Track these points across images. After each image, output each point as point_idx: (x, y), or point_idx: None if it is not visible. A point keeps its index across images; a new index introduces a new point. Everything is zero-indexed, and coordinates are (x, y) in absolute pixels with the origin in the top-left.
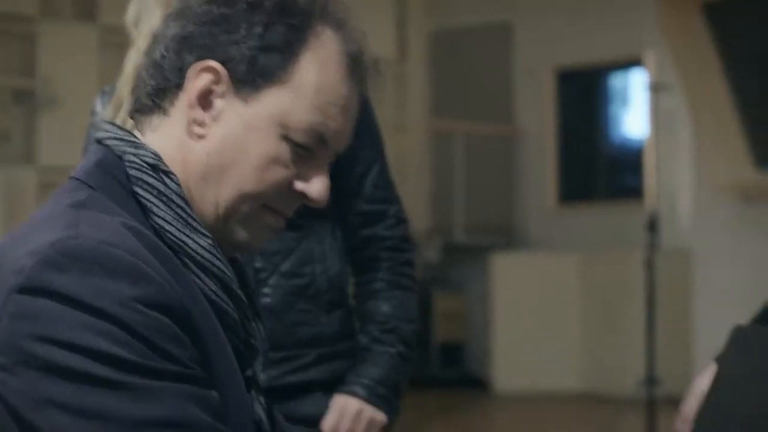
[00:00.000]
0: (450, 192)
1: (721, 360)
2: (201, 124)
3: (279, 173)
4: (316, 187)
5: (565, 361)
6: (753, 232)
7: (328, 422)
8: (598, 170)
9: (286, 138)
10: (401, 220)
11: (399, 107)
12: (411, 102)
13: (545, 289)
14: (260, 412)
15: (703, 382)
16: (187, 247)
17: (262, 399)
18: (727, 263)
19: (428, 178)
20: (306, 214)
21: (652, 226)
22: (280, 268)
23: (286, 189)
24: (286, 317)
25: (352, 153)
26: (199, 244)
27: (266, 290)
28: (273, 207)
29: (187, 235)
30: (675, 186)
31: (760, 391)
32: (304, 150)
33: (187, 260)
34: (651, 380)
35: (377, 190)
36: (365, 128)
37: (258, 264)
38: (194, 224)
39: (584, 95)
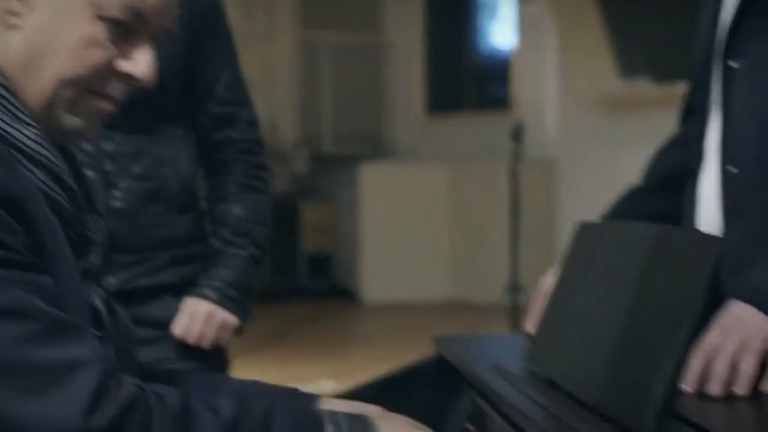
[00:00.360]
0: (318, 103)
1: (564, 257)
2: (15, 13)
3: (97, 54)
4: (141, 65)
5: (432, 270)
6: (617, 142)
7: (178, 325)
8: (466, 80)
9: (100, 17)
10: (253, 123)
11: (267, 18)
12: (278, 12)
13: (413, 199)
14: (98, 303)
15: (548, 280)
16: (13, 138)
17: (101, 291)
18: (592, 172)
19: (296, 88)
20: (157, 116)
21: (517, 135)
22: (130, 171)
23: (107, 70)
24: (137, 220)
25: (203, 56)
26: (26, 135)
27: (117, 193)
28: (98, 90)
29: (13, 126)
30: (541, 96)
31: (598, 285)
32: (121, 27)
33: (15, 152)
34: (515, 287)
35: (229, 92)
36: (216, 32)
37: (108, 167)
38: (20, 115)
39: (452, 5)
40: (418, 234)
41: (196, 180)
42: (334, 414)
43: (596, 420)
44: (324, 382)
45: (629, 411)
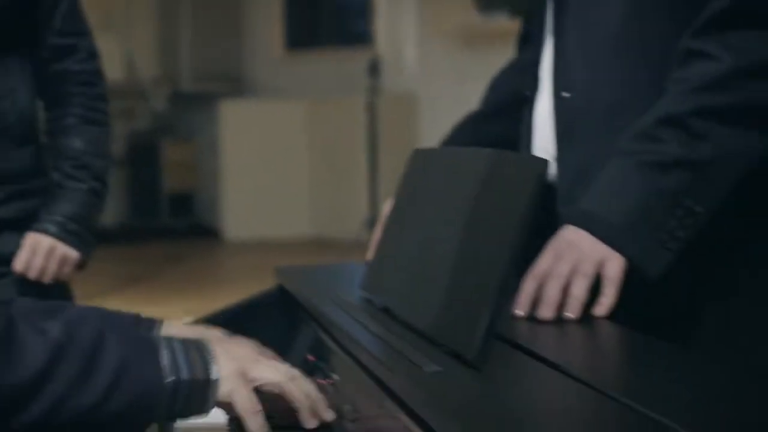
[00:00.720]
0: (177, 40)
1: (399, 183)
2: None
3: None
4: None
5: (293, 207)
6: (475, 76)
7: (19, 260)
8: (325, 16)
9: None
10: (93, 54)
11: None
12: None
13: (273, 136)
14: None
15: (387, 208)
16: None
17: None
18: (451, 106)
19: (154, 25)
20: None
21: (373, 70)
22: None
23: None
24: None
25: None
26: None
27: None
28: None
29: None
30: (400, 31)
31: (430, 211)
32: None
33: None
34: (373, 222)
35: (67, 23)
36: None
37: None
38: None
39: None
40: (279, 171)
41: (35, 112)
42: (169, 338)
43: (428, 347)
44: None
45: (458, 337)
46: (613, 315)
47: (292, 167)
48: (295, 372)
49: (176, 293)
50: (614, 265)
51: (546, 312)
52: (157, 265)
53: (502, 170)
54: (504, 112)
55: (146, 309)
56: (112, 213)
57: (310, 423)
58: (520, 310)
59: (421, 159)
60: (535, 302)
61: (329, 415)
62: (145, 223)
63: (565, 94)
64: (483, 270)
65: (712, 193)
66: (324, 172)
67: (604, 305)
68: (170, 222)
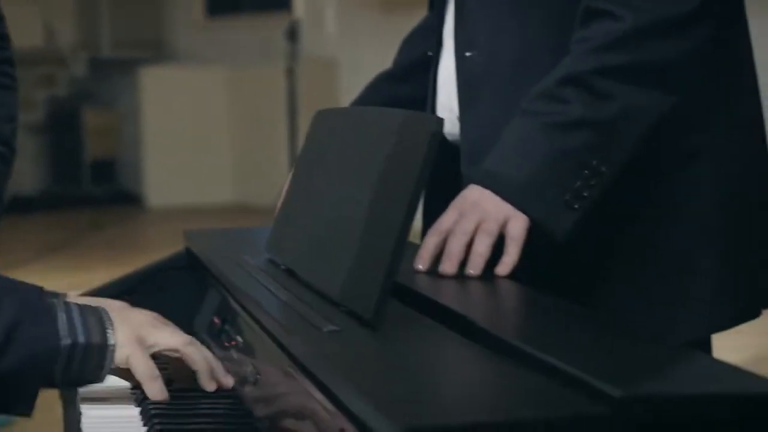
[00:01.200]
0: (95, 6)
1: (303, 144)
2: None
3: None
4: None
5: (216, 173)
6: (396, 40)
7: None
8: None
9: None
10: None
11: None
12: None
13: (194, 103)
14: None
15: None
16: None
17: None
18: (371, 71)
19: None
20: None
21: (292, 35)
22: None
23: None
24: None
25: None
26: None
27: None
28: None
29: None
30: None
31: (330, 172)
32: None
33: None
34: None
35: None
36: None
37: None
38: None
39: None
40: (201, 138)
41: None
42: (66, 302)
43: (328, 308)
44: None
45: (355, 297)
46: (518, 276)
47: (213, 133)
48: (193, 339)
49: (99, 261)
50: (517, 224)
51: (448, 267)
52: (79, 232)
53: (398, 130)
54: (413, 72)
55: (69, 276)
56: (33, 180)
57: (210, 386)
58: (421, 265)
59: (323, 120)
60: (437, 258)
61: (228, 380)
62: (67, 191)
63: (468, 53)
64: (379, 231)
65: (616, 152)
66: (246, 139)
67: (506, 264)
68: (92, 189)
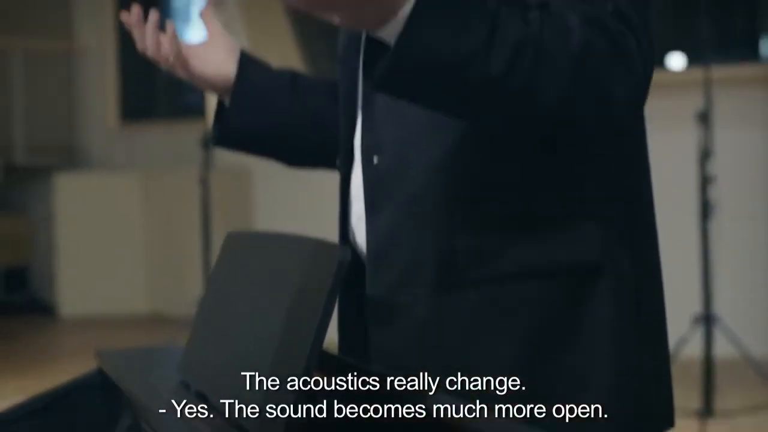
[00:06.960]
0: (9, 112)
1: (214, 266)
2: None
3: None
4: None
5: (130, 282)
6: None
7: None
8: (159, 88)
9: None
10: None
11: None
12: None
13: (108, 210)
14: None
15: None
16: None
17: None
18: (283, 180)
19: None
20: None
21: (206, 143)
22: None
23: None
24: None
25: None
26: None
27: None
28: None
29: None
30: None
31: (240, 295)
32: None
33: None
34: None
35: None
36: None
37: None
38: None
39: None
40: (115, 245)
41: None
42: None
43: None
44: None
45: (263, 426)
46: None
47: (128, 241)
48: None
49: (10, 371)
50: None
51: None
52: None
53: (307, 258)
54: (318, 90)
55: None
56: None
57: None
58: None
59: (234, 243)
60: None
61: None
62: None
63: (374, 161)
64: (290, 357)
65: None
66: (160, 247)
67: None
68: (4, 297)
